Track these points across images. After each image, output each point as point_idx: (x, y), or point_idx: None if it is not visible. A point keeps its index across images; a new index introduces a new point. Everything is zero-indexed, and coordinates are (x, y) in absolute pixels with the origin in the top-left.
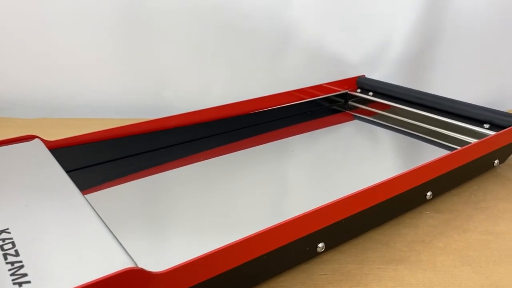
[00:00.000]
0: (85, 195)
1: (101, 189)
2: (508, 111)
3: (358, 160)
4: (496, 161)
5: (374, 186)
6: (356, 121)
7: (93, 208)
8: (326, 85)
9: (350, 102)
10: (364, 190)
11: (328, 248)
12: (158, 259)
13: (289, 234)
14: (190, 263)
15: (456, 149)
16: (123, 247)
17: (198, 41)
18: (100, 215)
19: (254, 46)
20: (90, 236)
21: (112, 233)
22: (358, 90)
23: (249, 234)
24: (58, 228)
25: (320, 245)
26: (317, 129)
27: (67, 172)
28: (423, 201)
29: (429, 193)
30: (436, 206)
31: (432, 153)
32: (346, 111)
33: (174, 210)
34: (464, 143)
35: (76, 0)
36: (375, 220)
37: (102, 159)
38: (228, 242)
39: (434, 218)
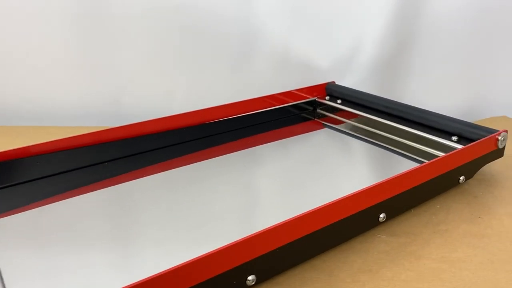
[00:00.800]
0: (13, 215)
1: (39, 206)
2: (480, 122)
3: (326, 172)
4: (461, 178)
5: (314, 211)
6: (325, 130)
7: None
8: (294, 92)
9: (318, 110)
10: (302, 216)
11: (260, 281)
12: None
13: (210, 268)
14: None
15: (423, 162)
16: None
17: (159, 45)
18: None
19: (218, 50)
20: None
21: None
22: (327, 98)
23: (161, 271)
24: None
25: (250, 278)
26: (284, 138)
27: None
28: (376, 223)
29: (382, 215)
30: (392, 228)
31: (400, 166)
32: (315, 119)
33: (118, 228)
34: (431, 156)
35: (29, 1)
36: (318, 247)
37: (37, 175)
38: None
39: (388, 243)
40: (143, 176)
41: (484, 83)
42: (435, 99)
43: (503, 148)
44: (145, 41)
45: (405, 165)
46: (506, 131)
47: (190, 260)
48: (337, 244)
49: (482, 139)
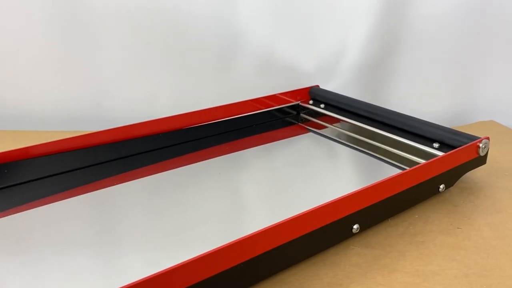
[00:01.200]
0: None
1: (23, 211)
2: (467, 126)
3: (308, 177)
4: (441, 186)
5: (283, 222)
6: (309, 134)
7: None
8: (277, 95)
9: (302, 114)
10: (270, 228)
11: None
12: None
13: (169, 286)
14: None
15: (404, 169)
16: None
17: (142, 48)
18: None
19: (201, 53)
20: None
21: None
22: (311, 102)
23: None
24: None
25: None
26: (267, 142)
27: None
28: (349, 235)
29: (355, 226)
30: (367, 239)
31: (382, 172)
32: (299, 123)
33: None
34: (412, 162)
35: (5, 1)
36: (287, 260)
37: (19, 179)
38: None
39: (361, 255)
40: (127, 181)
41: (472, 87)
42: (422, 103)
43: (485, 155)
44: (127, 44)
45: (386, 172)
46: (487, 138)
47: (147, 276)
48: (307, 257)
49: (462, 147)
